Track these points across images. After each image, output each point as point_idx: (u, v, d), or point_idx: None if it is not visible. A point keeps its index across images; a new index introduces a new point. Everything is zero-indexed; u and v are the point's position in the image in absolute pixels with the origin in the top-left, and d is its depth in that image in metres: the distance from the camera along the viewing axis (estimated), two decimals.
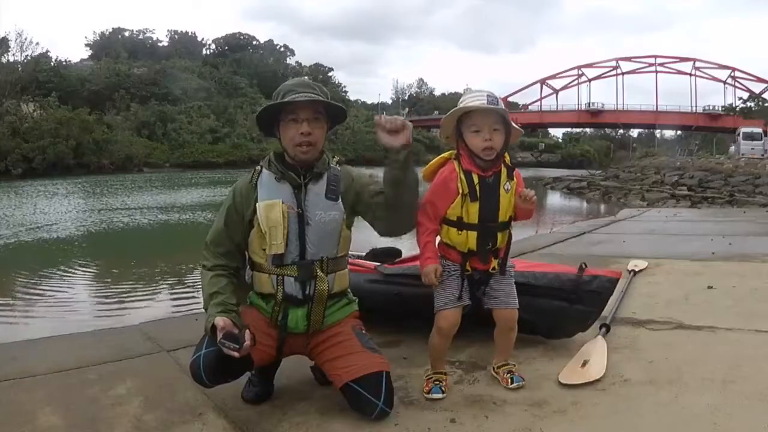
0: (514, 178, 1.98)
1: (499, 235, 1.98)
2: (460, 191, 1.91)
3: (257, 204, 1.88)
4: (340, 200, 1.92)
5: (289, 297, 1.89)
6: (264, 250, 1.88)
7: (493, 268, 1.99)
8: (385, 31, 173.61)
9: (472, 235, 1.94)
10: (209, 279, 1.90)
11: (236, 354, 1.69)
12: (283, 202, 1.87)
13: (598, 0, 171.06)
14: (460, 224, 1.94)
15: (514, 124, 1.94)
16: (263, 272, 1.90)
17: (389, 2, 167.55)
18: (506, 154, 1.99)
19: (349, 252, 2.07)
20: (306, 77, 2.01)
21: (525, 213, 2.02)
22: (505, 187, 1.95)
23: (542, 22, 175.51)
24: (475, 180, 1.92)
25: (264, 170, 1.94)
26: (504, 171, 1.96)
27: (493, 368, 2.13)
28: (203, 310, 1.88)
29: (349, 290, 2.05)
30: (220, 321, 1.75)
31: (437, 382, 2.01)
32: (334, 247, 1.92)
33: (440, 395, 1.96)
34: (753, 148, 27.12)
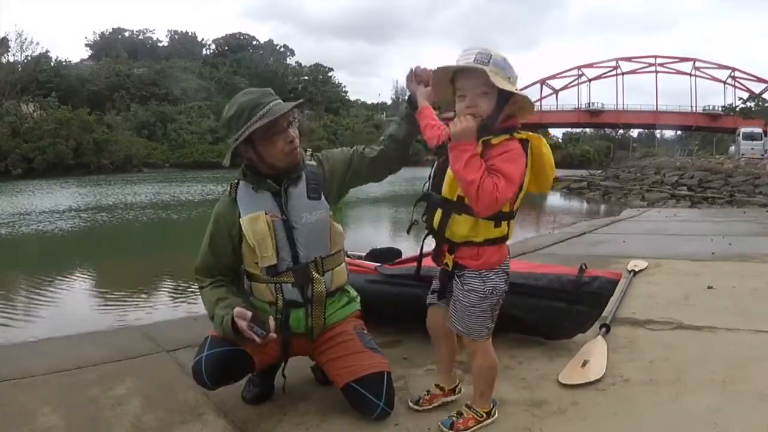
0: (478, 147, 1.52)
1: (438, 213, 1.63)
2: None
3: (241, 219, 1.85)
4: (323, 197, 1.90)
5: (290, 302, 1.88)
6: (257, 263, 1.86)
7: (446, 264, 1.66)
8: (388, 30, 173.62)
9: (422, 205, 1.71)
10: (209, 291, 1.90)
11: (258, 340, 1.70)
12: (265, 213, 1.84)
13: (602, 0, 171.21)
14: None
15: (511, 87, 1.53)
16: (260, 282, 1.89)
17: (392, 1, 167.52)
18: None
19: (350, 252, 2.07)
20: (253, 88, 1.92)
21: (452, 151, 1.51)
22: None
23: (547, 22, 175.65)
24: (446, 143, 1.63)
25: (241, 182, 1.91)
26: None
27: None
28: (211, 321, 1.86)
29: (349, 287, 2.04)
30: (240, 309, 1.75)
31: (424, 393, 1.88)
32: (325, 246, 1.91)
33: (412, 404, 1.85)
34: (753, 148, 27.12)
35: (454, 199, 1.60)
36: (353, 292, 2.05)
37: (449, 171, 1.58)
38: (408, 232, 1.82)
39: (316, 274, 1.87)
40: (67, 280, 6.64)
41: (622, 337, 2.56)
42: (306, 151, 1.98)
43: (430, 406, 1.86)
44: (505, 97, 1.54)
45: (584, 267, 2.44)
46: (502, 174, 1.49)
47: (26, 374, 2.31)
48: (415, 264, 2.69)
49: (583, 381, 2.04)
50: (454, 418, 1.72)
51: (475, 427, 1.71)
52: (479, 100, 1.55)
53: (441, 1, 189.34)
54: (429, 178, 1.71)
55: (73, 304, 5.54)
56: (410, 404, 1.87)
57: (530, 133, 1.61)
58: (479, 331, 1.67)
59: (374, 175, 2.03)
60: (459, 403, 1.83)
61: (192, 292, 5.37)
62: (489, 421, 1.74)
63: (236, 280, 1.98)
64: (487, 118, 1.54)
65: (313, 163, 1.96)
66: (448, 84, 1.63)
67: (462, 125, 1.50)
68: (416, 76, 1.78)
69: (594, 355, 2.22)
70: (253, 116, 1.77)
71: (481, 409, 1.73)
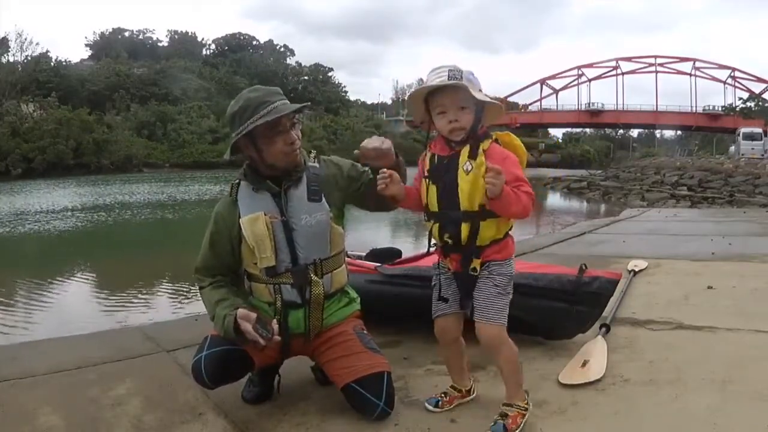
0: (480, 157, 1.64)
1: (464, 227, 1.67)
2: (424, 173, 1.75)
3: (240, 220, 1.86)
4: (323, 200, 1.90)
5: (288, 303, 1.89)
6: (256, 263, 1.87)
7: (473, 269, 1.71)
8: (389, 30, 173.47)
9: (436, 226, 1.74)
10: (209, 292, 1.90)
11: (263, 342, 1.71)
12: (265, 214, 1.84)
13: (602, 0, 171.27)
14: (427, 212, 1.76)
15: (487, 98, 1.67)
16: (260, 282, 1.90)
17: (393, 1, 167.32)
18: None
19: (350, 252, 2.07)
20: (260, 86, 1.92)
21: (497, 203, 1.60)
22: (465, 167, 1.64)
23: (548, 22, 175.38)
24: (436, 161, 1.73)
25: (242, 183, 1.91)
26: (466, 148, 1.67)
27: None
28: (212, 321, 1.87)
29: (349, 288, 2.04)
30: (243, 310, 1.75)
31: (441, 395, 1.89)
32: (325, 248, 1.91)
33: (431, 408, 1.86)
34: (753, 148, 27.14)
35: (476, 209, 1.66)
36: (353, 293, 2.05)
37: (461, 186, 1.66)
38: (428, 252, 1.88)
39: (314, 277, 1.87)
40: (67, 280, 6.64)
41: (622, 337, 2.56)
42: (309, 153, 1.98)
43: (450, 407, 1.86)
44: (481, 107, 1.67)
45: (584, 267, 2.44)
46: (522, 181, 1.65)
47: (26, 374, 2.31)
48: (414, 264, 2.71)
49: (583, 381, 2.04)
50: (503, 421, 1.69)
51: (523, 422, 1.71)
52: (460, 114, 1.67)
53: (442, 1, 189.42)
54: (436, 203, 1.72)
55: (73, 304, 5.54)
56: (428, 407, 1.86)
57: (498, 132, 1.76)
58: (505, 314, 1.73)
59: (367, 206, 2.04)
60: (476, 403, 1.89)
61: (192, 292, 5.37)
62: (529, 412, 1.74)
63: (237, 280, 1.98)
64: (471, 129, 1.67)
65: (316, 165, 1.95)
66: (421, 103, 1.73)
67: (497, 182, 1.55)
68: (363, 156, 1.89)
69: (594, 355, 2.22)
70: (257, 113, 1.78)
71: (522, 402, 1.74)
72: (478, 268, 1.71)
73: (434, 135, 1.77)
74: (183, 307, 4.94)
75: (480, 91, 1.67)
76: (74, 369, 2.37)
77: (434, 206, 1.73)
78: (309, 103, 2.02)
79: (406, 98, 2.01)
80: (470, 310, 1.77)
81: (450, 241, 1.71)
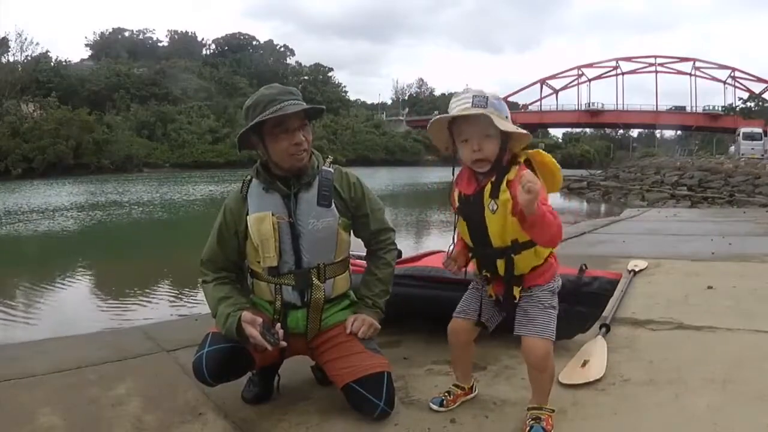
0: (504, 194, 1.59)
1: (499, 263, 1.68)
2: (455, 208, 1.74)
3: (248, 217, 1.87)
4: (333, 206, 1.90)
5: (288, 304, 1.90)
6: (260, 261, 1.88)
7: (515, 297, 1.72)
8: (391, 29, 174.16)
9: (473, 259, 1.77)
10: (213, 288, 1.91)
11: (270, 348, 1.71)
12: (273, 214, 1.85)
13: (603, 0, 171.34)
14: (465, 245, 1.78)
15: (513, 128, 1.59)
16: (261, 280, 1.91)
17: (395, 1, 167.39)
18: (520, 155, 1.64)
19: (351, 252, 2.07)
20: (277, 84, 1.93)
21: (534, 229, 1.54)
22: (491, 207, 1.62)
23: (549, 21, 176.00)
24: (463, 198, 1.70)
25: (253, 180, 1.92)
26: (488, 186, 1.62)
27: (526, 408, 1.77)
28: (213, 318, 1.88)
29: (351, 291, 2.05)
30: (248, 314, 1.76)
31: (445, 394, 1.89)
32: (330, 253, 1.91)
33: (436, 407, 1.86)
34: (753, 148, 27.14)
35: (509, 244, 1.66)
36: (354, 296, 2.05)
37: (490, 226, 1.64)
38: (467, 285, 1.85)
39: (316, 281, 1.88)
40: (67, 280, 6.64)
41: (622, 337, 2.56)
42: (326, 158, 1.98)
43: (455, 405, 1.87)
44: (507, 135, 1.60)
45: (584, 267, 2.44)
46: (545, 204, 1.56)
47: (26, 374, 2.31)
48: (414, 264, 2.71)
49: (583, 381, 2.05)
50: (538, 424, 1.68)
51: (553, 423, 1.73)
52: (484, 144, 1.60)
53: (443, 1, 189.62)
54: (470, 239, 1.72)
55: (73, 304, 5.54)
56: (433, 407, 1.86)
57: (528, 151, 1.66)
58: (552, 328, 1.72)
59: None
60: (475, 403, 1.90)
61: (192, 292, 5.37)
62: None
63: (241, 277, 1.99)
64: (496, 159, 1.61)
65: (330, 170, 1.94)
66: (445, 129, 1.68)
67: (531, 195, 1.42)
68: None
69: (594, 355, 2.22)
70: (266, 110, 1.78)
71: (549, 405, 1.76)
72: (517, 296, 1.71)
73: (459, 161, 1.71)
74: (183, 307, 4.94)
75: (507, 117, 1.61)
76: (74, 369, 2.37)
77: (469, 242, 1.74)
78: (323, 107, 2.00)
79: (428, 126, 1.72)
80: (495, 327, 1.84)
81: (489, 275, 1.74)
